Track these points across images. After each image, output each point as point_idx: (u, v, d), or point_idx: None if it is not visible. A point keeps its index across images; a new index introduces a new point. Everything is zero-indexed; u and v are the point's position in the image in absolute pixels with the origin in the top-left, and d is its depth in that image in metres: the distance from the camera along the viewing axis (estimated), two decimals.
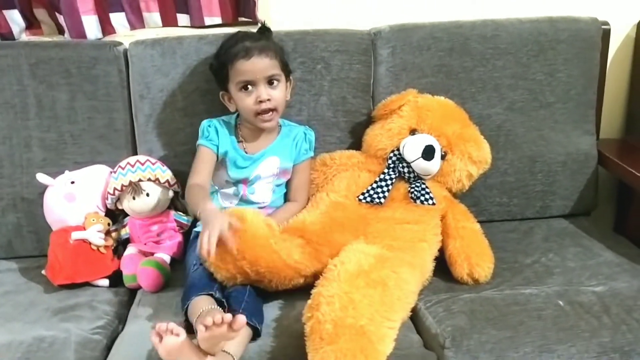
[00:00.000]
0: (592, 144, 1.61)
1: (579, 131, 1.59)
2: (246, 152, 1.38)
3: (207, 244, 1.09)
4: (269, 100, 1.31)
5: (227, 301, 1.15)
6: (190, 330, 1.07)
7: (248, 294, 1.18)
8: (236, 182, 1.38)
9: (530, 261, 1.38)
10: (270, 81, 1.32)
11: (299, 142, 1.42)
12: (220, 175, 1.40)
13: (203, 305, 1.10)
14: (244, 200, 1.39)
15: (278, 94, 1.33)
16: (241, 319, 0.99)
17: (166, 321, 1.01)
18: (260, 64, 1.29)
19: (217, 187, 1.41)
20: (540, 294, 1.22)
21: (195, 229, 1.40)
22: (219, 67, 1.35)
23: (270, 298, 1.24)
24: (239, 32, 1.39)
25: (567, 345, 1.09)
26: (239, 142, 1.38)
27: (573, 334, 1.11)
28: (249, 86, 1.31)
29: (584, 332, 1.12)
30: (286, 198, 1.44)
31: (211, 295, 1.14)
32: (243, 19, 1.63)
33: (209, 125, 1.38)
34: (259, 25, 1.42)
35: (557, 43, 1.55)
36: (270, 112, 1.33)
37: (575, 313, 1.16)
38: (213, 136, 1.37)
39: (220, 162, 1.39)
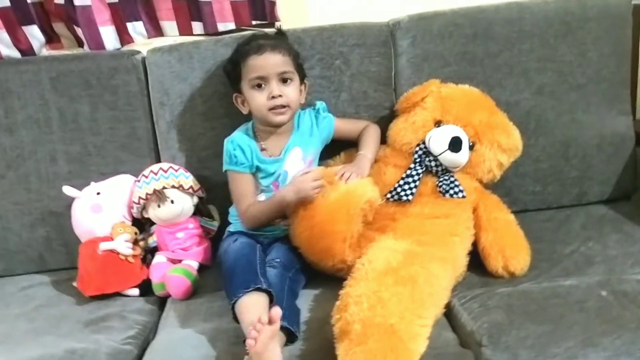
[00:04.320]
0: (629, 124, 1.54)
1: (614, 112, 1.53)
2: (271, 157, 1.36)
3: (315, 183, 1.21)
4: (280, 96, 1.29)
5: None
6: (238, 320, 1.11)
7: (287, 299, 1.17)
8: (267, 186, 1.37)
9: (569, 251, 1.33)
10: (283, 79, 1.30)
11: (313, 120, 1.40)
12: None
13: (253, 309, 1.09)
14: None
15: (291, 92, 1.31)
16: (275, 311, 1.00)
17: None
18: (272, 59, 1.28)
19: None
20: (581, 284, 1.17)
21: (229, 229, 1.40)
22: (232, 66, 1.35)
23: (299, 300, 1.22)
24: (253, 33, 1.39)
25: (612, 338, 1.03)
26: (261, 150, 1.36)
27: (618, 325, 1.06)
28: (261, 84, 1.30)
29: (629, 323, 1.06)
30: (357, 138, 1.43)
31: (258, 288, 1.12)
32: (257, 21, 1.61)
33: (234, 149, 1.34)
34: (277, 26, 1.41)
35: (586, 22, 1.48)
36: (283, 108, 1.31)
37: (619, 303, 1.11)
38: (242, 159, 1.33)
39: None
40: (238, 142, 1.34)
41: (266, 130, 1.36)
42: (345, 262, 1.20)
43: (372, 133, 1.43)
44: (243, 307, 1.10)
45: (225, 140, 1.36)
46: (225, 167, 1.36)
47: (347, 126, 1.44)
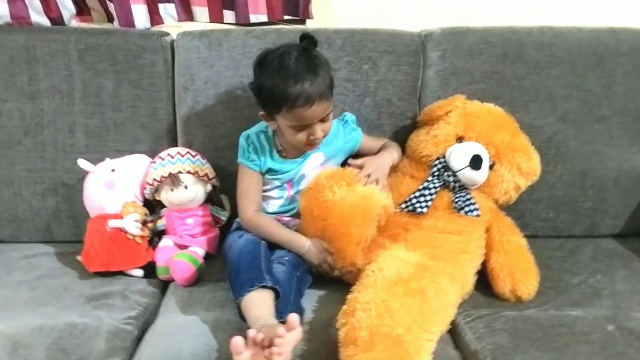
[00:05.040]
0: None
1: (635, 147, 1.52)
2: (288, 157, 1.35)
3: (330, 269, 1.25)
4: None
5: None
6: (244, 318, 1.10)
7: (293, 297, 1.16)
8: (281, 184, 1.36)
9: (577, 281, 1.32)
10: (323, 120, 1.26)
11: (341, 130, 1.38)
12: (264, 181, 1.37)
13: (259, 305, 1.08)
14: (290, 201, 1.37)
15: (328, 125, 1.27)
16: (293, 318, 0.98)
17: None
18: (319, 110, 1.22)
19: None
20: (588, 316, 1.17)
21: (238, 219, 1.39)
22: (270, 102, 1.23)
23: (303, 300, 1.21)
24: (287, 54, 1.21)
25: None
26: (278, 151, 1.34)
27: None
28: (303, 128, 1.25)
29: None
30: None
31: (264, 286, 1.11)
32: (289, 16, 1.60)
33: (248, 145, 1.33)
34: (310, 36, 1.28)
35: (617, 55, 1.48)
36: (319, 141, 1.28)
37: (625, 340, 1.10)
38: (254, 156, 1.33)
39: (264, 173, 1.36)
40: (253, 140, 1.33)
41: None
42: (356, 265, 1.20)
43: (395, 145, 1.44)
44: (249, 303, 1.09)
45: (241, 135, 1.35)
46: (238, 159, 1.35)
47: (371, 143, 1.43)
